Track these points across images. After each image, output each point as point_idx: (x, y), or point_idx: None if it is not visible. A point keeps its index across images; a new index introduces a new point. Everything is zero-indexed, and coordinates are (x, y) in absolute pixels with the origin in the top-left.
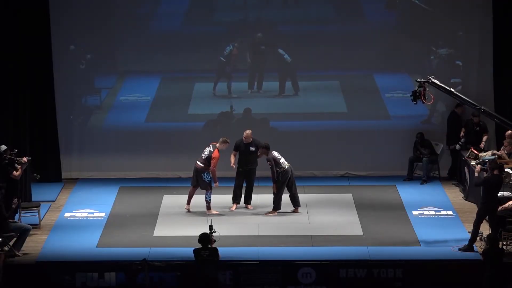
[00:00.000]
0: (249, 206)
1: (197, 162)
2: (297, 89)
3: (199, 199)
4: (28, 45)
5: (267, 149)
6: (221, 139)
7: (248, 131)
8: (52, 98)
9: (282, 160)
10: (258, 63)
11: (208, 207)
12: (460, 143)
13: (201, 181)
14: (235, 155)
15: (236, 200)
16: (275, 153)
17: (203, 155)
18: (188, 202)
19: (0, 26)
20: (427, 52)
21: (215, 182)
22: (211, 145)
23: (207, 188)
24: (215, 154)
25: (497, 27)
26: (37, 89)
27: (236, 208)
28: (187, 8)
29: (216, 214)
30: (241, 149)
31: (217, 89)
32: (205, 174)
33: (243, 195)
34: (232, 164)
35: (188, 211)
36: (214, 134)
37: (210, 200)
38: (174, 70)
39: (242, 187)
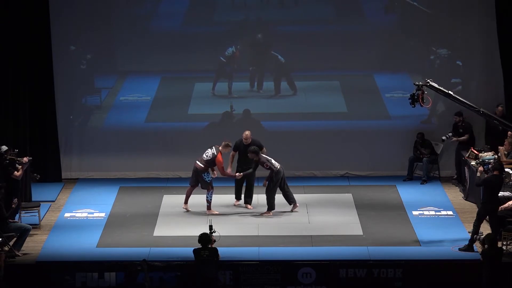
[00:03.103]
0: (249, 206)
1: (197, 162)
2: (294, 89)
3: (199, 199)
4: (28, 45)
5: (256, 153)
6: (223, 143)
7: (247, 132)
8: (52, 98)
9: (273, 161)
10: (258, 63)
11: (209, 207)
12: (447, 136)
13: (201, 181)
14: (233, 156)
15: (238, 196)
16: (265, 156)
17: (204, 156)
18: (186, 202)
19: (0, 26)
20: (427, 52)
21: (235, 176)
22: (213, 148)
23: (208, 188)
24: (220, 158)
25: (502, 27)
26: (37, 89)
27: (238, 204)
28: (187, 8)
29: (216, 214)
30: (241, 149)
31: (217, 89)
32: (205, 174)
33: (243, 195)
34: (232, 172)
35: (187, 210)
36: (214, 134)
37: (211, 200)
38: (174, 70)
39: (243, 185)
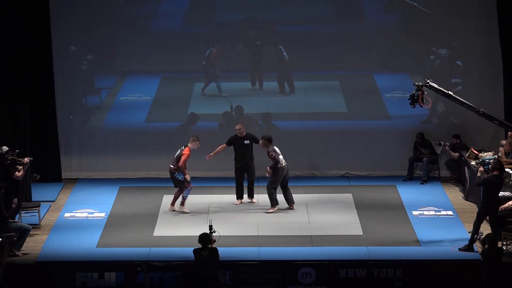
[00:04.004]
0: (253, 200)
1: (170, 165)
2: (293, 88)
3: (199, 199)
4: (28, 45)
5: (269, 141)
6: (191, 138)
7: (239, 124)
8: (52, 98)
9: (281, 157)
10: (255, 59)
11: (182, 203)
12: (445, 143)
13: (177, 181)
14: (223, 148)
15: (240, 196)
16: (276, 148)
17: (175, 155)
18: (172, 203)
19: (0, 26)
20: (427, 52)
21: (185, 175)
22: (183, 146)
23: (185, 185)
24: (186, 151)
25: (503, 27)
26: (37, 89)
27: (240, 203)
28: (187, 8)
29: (186, 213)
30: (236, 143)
31: (214, 89)
32: (177, 174)
33: (245, 194)
34: (208, 156)
35: (173, 210)
36: (214, 134)
37: (186, 197)
38: (174, 70)
39: (243, 184)
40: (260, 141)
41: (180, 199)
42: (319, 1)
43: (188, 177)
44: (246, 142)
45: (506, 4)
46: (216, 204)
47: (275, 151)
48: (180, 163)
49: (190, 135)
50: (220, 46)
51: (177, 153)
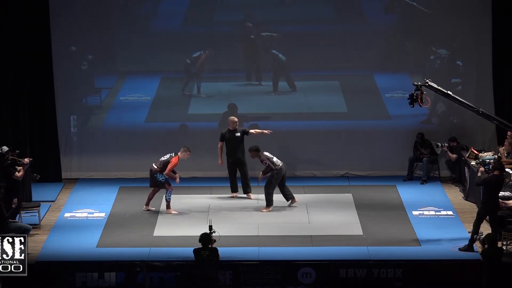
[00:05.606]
0: (251, 195)
1: (153, 164)
2: (294, 87)
3: (199, 199)
4: (28, 45)
5: (257, 151)
6: (183, 148)
7: (232, 117)
8: (52, 98)
9: (275, 159)
10: (252, 54)
11: (168, 206)
12: (442, 144)
13: (157, 182)
14: (221, 147)
15: (234, 190)
16: (267, 153)
17: (162, 158)
18: (147, 204)
19: (0, 26)
20: (427, 52)
21: (175, 180)
22: (172, 153)
23: (165, 187)
24: (174, 160)
25: (496, 27)
26: (37, 89)
27: (235, 196)
28: (187, 8)
29: (175, 214)
30: (227, 136)
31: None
32: (158, 174)
33: (241, 186)
34: (220, 163)
35: (148, 210)
36: (214, 134)
37: (170, 199)
38: (174, 70)
39: (236, 177)
40: (250, 154)
41: (164, 203)
42: (319, 1)
43: (178, 180)
44: (237, 134)
45: (501, 3)
46: (216, 204)
47: (267, 157)
48: (166, 172)
49: (190, 136)
50: (212, 52)
51: (165, 158)
